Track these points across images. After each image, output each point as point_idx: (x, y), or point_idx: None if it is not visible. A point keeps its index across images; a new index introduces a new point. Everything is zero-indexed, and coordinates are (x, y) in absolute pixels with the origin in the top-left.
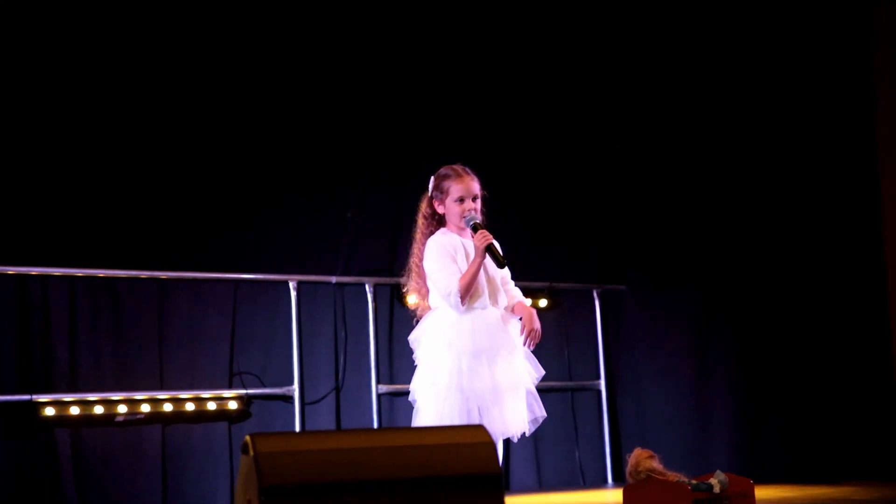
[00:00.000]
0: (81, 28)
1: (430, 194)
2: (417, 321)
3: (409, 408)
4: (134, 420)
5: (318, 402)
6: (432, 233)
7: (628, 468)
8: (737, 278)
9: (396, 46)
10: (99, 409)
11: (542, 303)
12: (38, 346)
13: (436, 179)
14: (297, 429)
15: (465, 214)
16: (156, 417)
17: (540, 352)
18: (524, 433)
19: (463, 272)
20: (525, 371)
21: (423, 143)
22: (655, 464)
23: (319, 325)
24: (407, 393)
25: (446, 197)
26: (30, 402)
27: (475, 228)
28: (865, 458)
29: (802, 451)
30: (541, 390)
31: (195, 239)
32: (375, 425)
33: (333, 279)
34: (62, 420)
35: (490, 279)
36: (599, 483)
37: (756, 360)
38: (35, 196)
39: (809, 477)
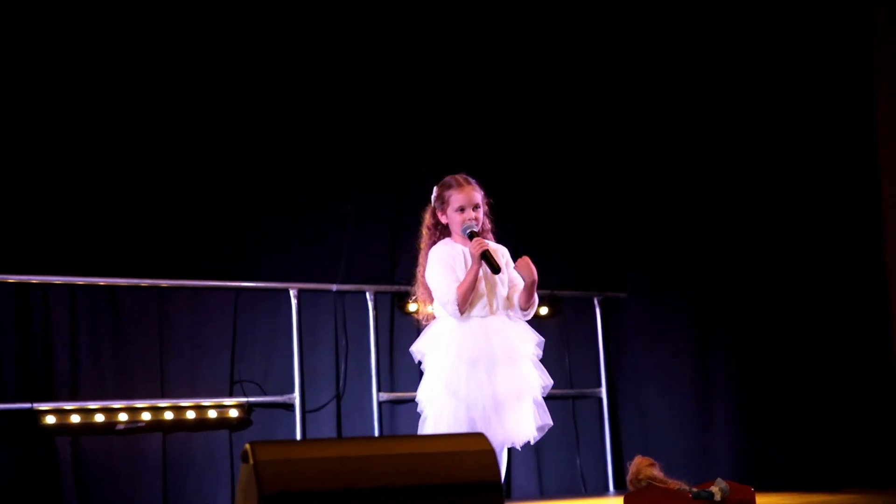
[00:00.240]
0: (81, 38)
1: (432, 205)
2: (420, 330)
3: (411, 415)
4: (135, 428)
5: (318, 409)
6: (436, 243)
7: (629, 476)
8: (738, 283)
9: (397, 49)
10: (100, 418)
11: (544, 311)
12: (39, 354)
13: (438, 190)
14: (299, 437)
15: (464, 223)
16: (156, 425)
17: (542, 359)
18: (529, 442)
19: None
20: (533, 379)
21: (422, 150)
22: (656, 471)
23: (320, 332)
24: (408, 400)
25: (447, 207)
26: (30, 410)
27: (471, 237)
28: (867, 464)
29: (804, 457)
30: (543, 398)
31: (194, 246)
32: (376, 433)
33: (334, 287)
34: (63, 428)
35: (491, 287)
36: (601, 491)
37: (757, 366)
38: (35, 204)
39: (811, 484)
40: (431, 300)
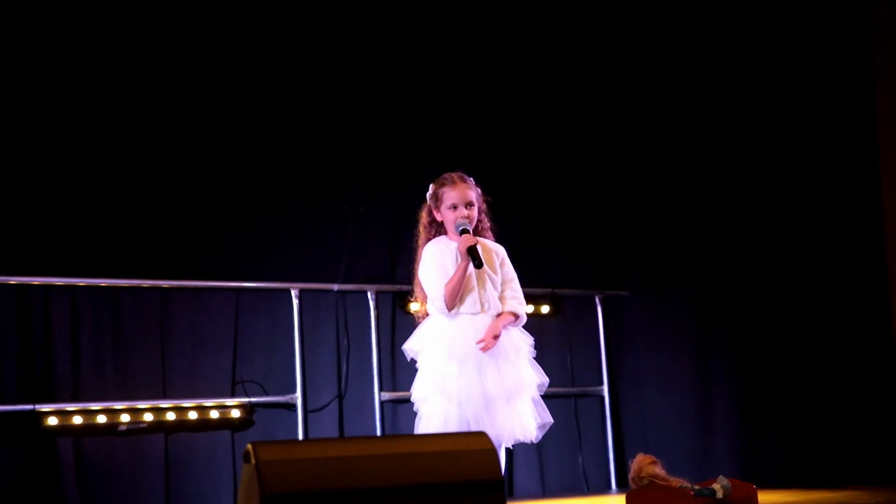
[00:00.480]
0: (81, 40)
1: (428, 203)
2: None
3: (413, 415)
4: (137, 429)
5: (320, 409)
6: (431, 240)
7: (631, 474)
8: (738, 282)
9: (397, 49)
10: (102, 419)
11: (545, 309)
12: (40, 355)
13: (433, 187)
14: (300, 437)
15: (457, 221)
16: (159, 426)
17: (543, 358)
18: (531, 440)
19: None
20: (528, 377)
21: (422, 150)
22: (658, 469)
23: (322, 332)
24: (410, 400)
25: (441, 204)
26: (32, 411)
27: (463, 234)
28: (868, 461)
29: (805, 454)
30: (544, 396)
31: (195, 246)
32: (378, 433)
33: (335, 287)
34: (65, 429)
35: (482, 283)
36: (603, 489)
37: (758, 363)
38: (36, 206)
39: (813, 481)
40: (424, 297)
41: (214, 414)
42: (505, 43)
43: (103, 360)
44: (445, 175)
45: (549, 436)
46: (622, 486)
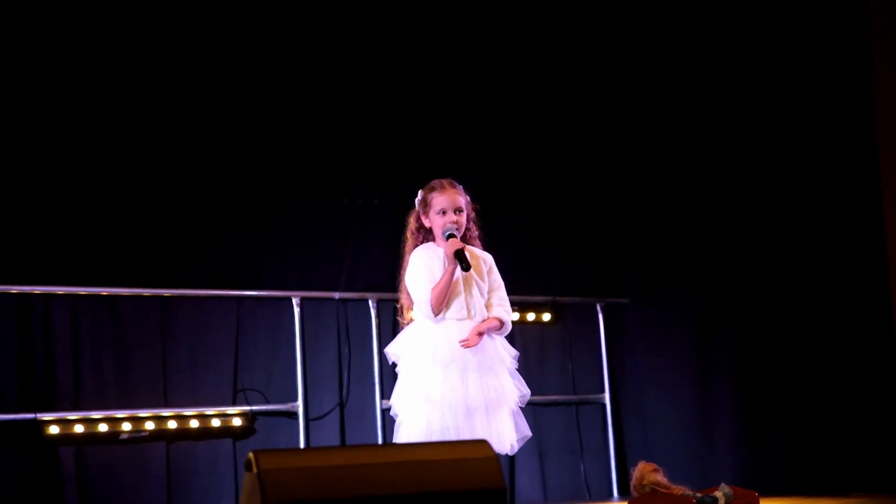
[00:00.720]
0: (81, 44)
1: (416, 209)
2: None
3: None
4: (138, 437)
5: (322, 417)
6: (417, 247)
7: (633, 482)
8: (738, 287)
9: (396, 54)
10: (103, 427)
11: (546, 317)
12: (42, 364)
13: (422, 193)
14: (302, 445)
15: (445, 227)
16: (160, 435)
17: (544, 366)
18: (507, 452)
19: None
20: (509, 389)
21: (423, 156)
22: (660, 477)
23: (323, 340)
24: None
25: (430, 210)
26: (34, 420)
27: (449, 239)
28: (871, 468)
29: (807, 460)
30: (546, 404)
31: (196, 255)
32: (380, 441)
33: (336, 295)
34: (66, 438)
35: (469, 289)
36: (604, 496)
37: (759, 369)
38: (36, 215)
39: (815, 488)
40: (411, 303)
41: (216, 422)
42: (505, 46)
43: (104, 369)
44: (434, 181)
45: (551, 443)
46: (624, 493)
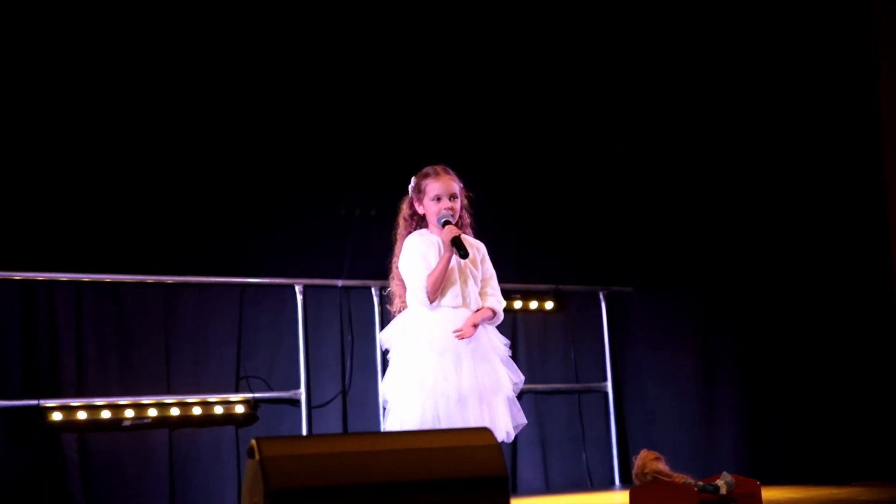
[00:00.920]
0: (83, 37)
1: (409, 195)
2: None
3: None
4: (141, 424)
5: (324, 405)
6: (411, 233)
7: (635, 470)
8: (740, 278)
9: (398, 49)
10: (106, 414)
11: (549, 305)
12: (45, 351)
13: (415, 179)
14: (304, 432)
15: (440, 213)
16: (163, 421)
17: (547, 354)
18: (502, 440)
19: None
20: (503, 377)
21: (424, 146)
22: (662, 465)
23: (326, 328)
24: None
25: (424, 196)
26: (37, 407)
27: (444, 226)
28: (872, 458)
29: (808, 450)
30: (548, 392)
31: (200, 242)
32: (382, 428)
33: (339, 283)
34: (69, 425)
35: (464, 277)
36: (606, 485)
37: (760, 359)
38: (40, 202)
39: (816, 477)
40: (403, 290)
41: (218, 409)
42: (506, 43)
43: (107, 356)
44: (428, 167)
45: (553, 432)
46: (626, 482)
